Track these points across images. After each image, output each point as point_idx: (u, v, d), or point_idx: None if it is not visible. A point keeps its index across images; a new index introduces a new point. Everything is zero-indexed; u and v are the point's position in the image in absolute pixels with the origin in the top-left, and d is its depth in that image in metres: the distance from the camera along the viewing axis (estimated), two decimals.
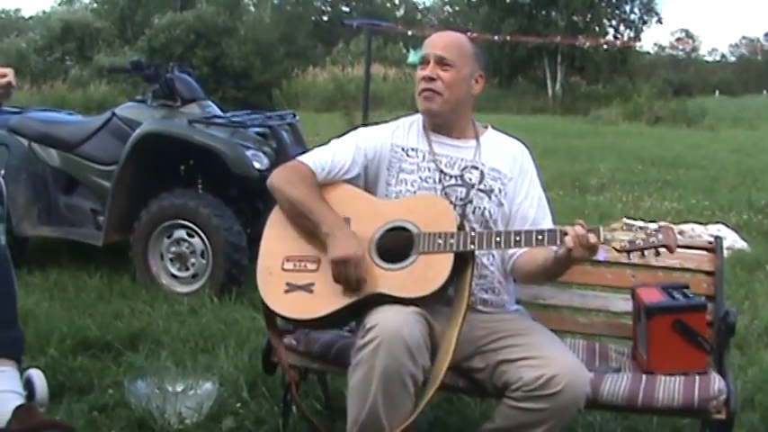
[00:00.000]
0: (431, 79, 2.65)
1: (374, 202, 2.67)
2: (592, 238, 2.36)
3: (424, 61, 2.68)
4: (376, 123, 2.91)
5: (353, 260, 2.45)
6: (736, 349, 3.92)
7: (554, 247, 2.45)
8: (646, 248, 2.36)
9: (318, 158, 2.71)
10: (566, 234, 2.38)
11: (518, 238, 2.45)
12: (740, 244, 6.57)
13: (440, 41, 2.70)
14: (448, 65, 2.65)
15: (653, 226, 2.39)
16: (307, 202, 2.60)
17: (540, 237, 2.44)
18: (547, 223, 2.69)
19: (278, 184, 2.67)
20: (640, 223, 2.39)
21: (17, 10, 44.33)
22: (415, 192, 2.66)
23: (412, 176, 2.68)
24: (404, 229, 2.53)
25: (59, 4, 41.76)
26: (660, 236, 2.34)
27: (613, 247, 2.38)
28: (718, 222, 7.31)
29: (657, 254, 2.38)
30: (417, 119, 2.78)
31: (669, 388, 2.55)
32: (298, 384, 2.75)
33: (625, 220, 7.29)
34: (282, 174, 2.70)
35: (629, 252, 2.38)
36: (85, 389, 3.34)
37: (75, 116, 6.02)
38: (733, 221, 7.56)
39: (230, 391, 3.30)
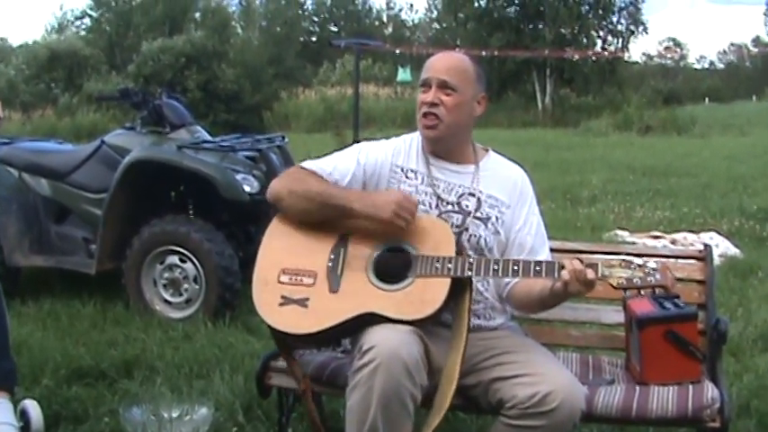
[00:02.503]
0: (433, 104, 2.59)
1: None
2: (590, 273, 2.34)
3: (426, 84, 2.62)
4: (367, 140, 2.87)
5: (402, 201, 2.46)
6: (730, 356, 3.93)
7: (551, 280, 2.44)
8: (643, 287, 2.36)
9: (320, 167, 2.66)
10: (563, 268, 2.37)
11: (516, 268, 2.43)
12: (733, 251, 6.61)
13: (442, 65, 2.63)
14: (450, 89, 2.59)
15: (651, 264, 2.38)
16: (325, 190, 2.56)
17: (537, 268, 2.42)
18: (544, 252, 2.67)
19: (286, 187, 2.61)
20: (639, 260, 2.38)
21: (3, 39, 44.21)
22: None
23: None
24: (402, 250, 2.51)
25: (49, 33, 41.77)
26: (658, 275, 2.34)
27: (610, 284, 2.37)
28: (710, 230, 7.34)
29: (654, 292, 2.39)
30: (416, 137, 2.73)
31: (663, 398, 2.56)
32: (313, 393, 2.68)
33: (618, 231, 7.37)
34: (286, 177, 2.66)
35: (625, 289, 2.38)
36: (81, 418, 3.32)
37: (65, 145, 6.02)
38: (725, 228, 7.58)
39: (226, 416, 3.29)
